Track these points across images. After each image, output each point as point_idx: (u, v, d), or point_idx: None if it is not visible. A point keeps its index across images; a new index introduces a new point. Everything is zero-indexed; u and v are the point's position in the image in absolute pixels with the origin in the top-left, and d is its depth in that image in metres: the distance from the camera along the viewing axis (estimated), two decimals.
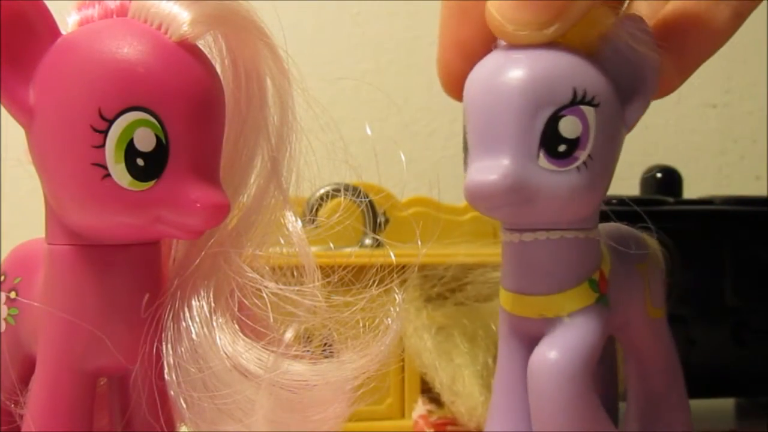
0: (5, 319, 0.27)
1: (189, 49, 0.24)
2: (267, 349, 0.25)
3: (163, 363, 0.25)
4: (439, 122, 0.68)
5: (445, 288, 0.42)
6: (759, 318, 0.46)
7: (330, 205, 0.48)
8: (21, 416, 0.26)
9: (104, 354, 0.25)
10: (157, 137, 0.23)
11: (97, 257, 0.25)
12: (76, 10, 0.25)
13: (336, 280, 0.28)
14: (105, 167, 0.23)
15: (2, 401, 0.27)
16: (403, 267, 0.32)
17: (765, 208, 0.47)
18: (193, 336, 0.25)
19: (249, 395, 0.25)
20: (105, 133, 0.23)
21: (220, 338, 0.25)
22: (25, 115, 0.23)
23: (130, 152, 0.23)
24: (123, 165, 0.23)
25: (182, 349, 0.25)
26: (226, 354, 0.25)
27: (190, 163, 0.24)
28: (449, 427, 0.42)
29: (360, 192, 0.47)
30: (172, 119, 0.23)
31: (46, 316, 0.25)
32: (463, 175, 0.29)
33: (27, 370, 0.27)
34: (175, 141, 0.23)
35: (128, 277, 0.25)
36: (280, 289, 0.26)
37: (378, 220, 0.48)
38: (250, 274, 0.26)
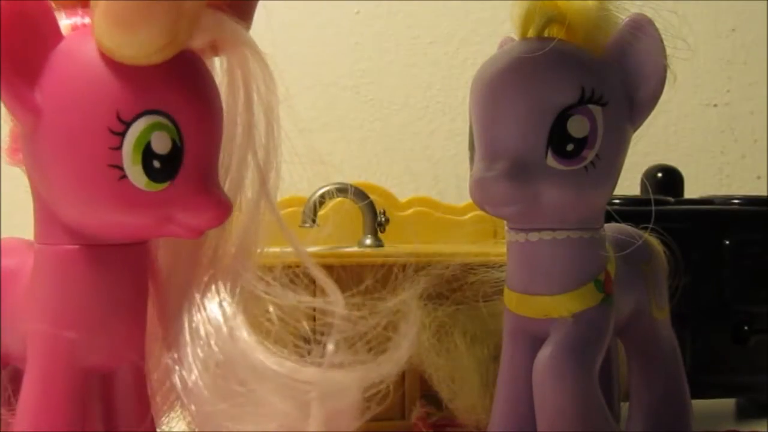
0: None
1: (195, 56, 0.25)
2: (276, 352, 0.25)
3: (160, 361, 0.25)
4: (439, 122, 0.68)
5: (445, 287, 0.42)
6: (759, 318, 0.46)
7: (330, 205, 0.48)
8: None
9: (96, 352, 0.25)
10: (173, 140, 0.23)
11: (93, 256, 0.25)
12: (66, 15, 0.25)
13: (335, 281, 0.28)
14: (122, 168, 0.23)
15: None
16: (404, 267, 0.32)
17: (765, 208, 0.47)
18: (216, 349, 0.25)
19: (268, 397, 0.25)
20: (122, 135, 0.23)
21: (245, 351, 0.25)
22: (29, 115, 0.23)
23: (147, 154, 0.23)
24: (140, 167, 0.23)
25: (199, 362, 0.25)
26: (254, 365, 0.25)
27: (200, 166, 0.24)
28: (448, 429, 0.42)
29: (360, 192, 0.47)
30: (185, 123, 0.24)
31: (37, 315, 0.25)
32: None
33: None
34: (188, 144, 0.24)
35: (122, 276, 0.25)
36: (311, 301, 0.26)
37: (378, 220, 0.48)
38: (274, 287, 0.27)
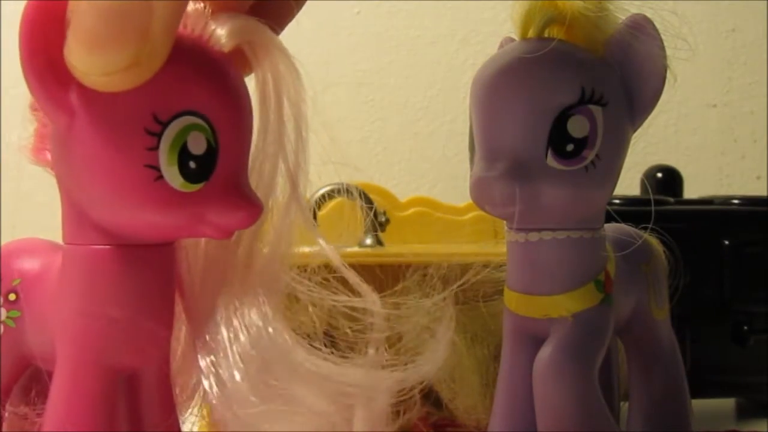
0: (4, 322, 0.27)
1: (229, 58, 0.25)
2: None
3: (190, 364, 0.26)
4: (439, 122, 0.68)
5: (445, 287, 0.42)
6: (759, 318, 0.46)
7: (330, 205, 0.48)
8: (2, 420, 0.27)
9: (124, 352, 0.25)
10: (208, 141, 0.23)
11: (122, 256, 0.25)
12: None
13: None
14: (158, 169, 0.23)
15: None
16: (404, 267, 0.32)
17: (765, 208, 0.47)
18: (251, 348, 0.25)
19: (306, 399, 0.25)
20: (159, 136, 0.23)
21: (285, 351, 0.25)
22: (63, 116, 0.23)
23: (183, 155, 0.23)
24: (176, 167, 0.23)
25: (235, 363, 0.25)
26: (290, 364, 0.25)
27: (233, 167, 0.24)
28: (448, 429, 0.42)
29: (360, 192, 0.47)
30: (220, 124, 0.24)
31: (66, 315, 0.25)
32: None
33: (19, 372, 0.27)
34: (222, 145, 0.24)
35: (151, 276, 0.25)
36: (349, 301, 0.27)
37: (378, 220, 0.48)
38: (315, 288, 0.27)
